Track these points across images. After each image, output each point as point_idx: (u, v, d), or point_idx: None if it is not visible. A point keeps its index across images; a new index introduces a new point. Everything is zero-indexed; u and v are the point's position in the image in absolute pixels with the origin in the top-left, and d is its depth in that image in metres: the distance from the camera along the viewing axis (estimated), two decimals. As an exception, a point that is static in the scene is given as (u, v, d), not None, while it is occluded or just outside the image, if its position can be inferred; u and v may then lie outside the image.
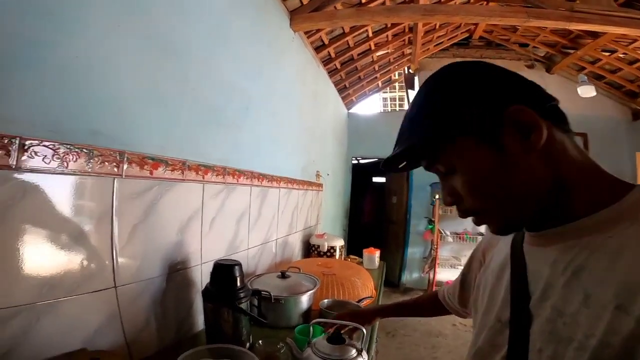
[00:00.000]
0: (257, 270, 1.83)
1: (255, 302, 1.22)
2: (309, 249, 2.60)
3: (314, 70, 3.05)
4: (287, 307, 1.39)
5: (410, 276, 5.05)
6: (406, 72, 5.26)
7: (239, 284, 1.13)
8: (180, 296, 1.25)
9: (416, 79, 5.02)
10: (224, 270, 1.13)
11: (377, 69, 4.46)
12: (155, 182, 1.10)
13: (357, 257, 2.51)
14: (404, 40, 4.00)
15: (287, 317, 1.40)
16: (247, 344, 1.16)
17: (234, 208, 1.60)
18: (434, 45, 4.62)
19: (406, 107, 5.87)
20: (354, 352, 1.00)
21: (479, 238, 4.24)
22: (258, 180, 1.82)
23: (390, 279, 5.00)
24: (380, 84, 5.23)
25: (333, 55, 3.34)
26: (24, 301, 0.77)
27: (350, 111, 5.19)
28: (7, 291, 0.74)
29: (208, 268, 1.21)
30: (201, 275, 1.34)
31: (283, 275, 1.52)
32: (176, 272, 1.22)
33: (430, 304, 1.02)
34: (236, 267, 1.14)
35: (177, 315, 1.24)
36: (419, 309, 1.11)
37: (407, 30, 3.75)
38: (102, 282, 0.96)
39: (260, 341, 1.13)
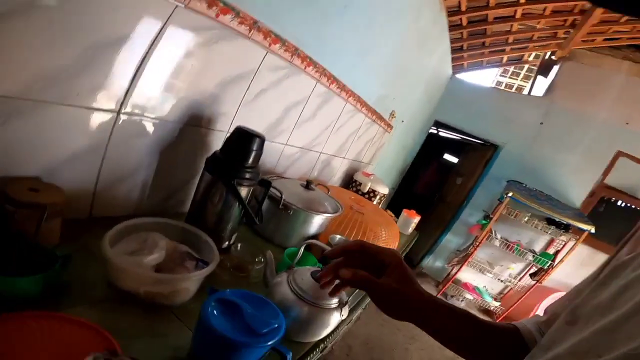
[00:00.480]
0: (285, 175, 1.63)
1: (260, 197, 1.02)
2: (349, 184, 2.35)
3: (434, 15, 2.48)
4: (292, 221, 1.19)
5: (432, 262, 4.71)
6: (547, 56, 4.18)
7: (250, 160, 0.92)
8: (185, 159, 1.08)
9: (556, 68, 4.00)
10: (241, 138, 0.91)
11: (510, 40, 3.57)
12: (217, 26, 0.91)
13: (393, 215, 2.22)
14: (564, 20, 3.04)
15: (287, 234, 1.21)
16: (224, 243, 0.98)
17: (289, 93, 1.36)
18: (604, 39, 3.50)
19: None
20: (334, 301, 0.78)
21: (529, 256, 3.69)
22: (327, 80, 1.53)
23: (410, 256, 4.72)
24: (505, 59, 4.28)
25: (463, 8, 2.69)
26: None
27: (455, 75, 4.40)
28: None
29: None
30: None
31: (307, 186, 1.30)
32: (194, 126, 1.04)
33: (502, 336, 0.57)
34: (256, 140, 0.91)
35: (172, 181, 1.09)
36: (479, 330, 0.57)
37: (576, 10, 2.80)
38: (106, 101, 0.81)
39: (240, 245, 0.95)
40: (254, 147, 0.92)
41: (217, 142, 1.14)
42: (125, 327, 0.63)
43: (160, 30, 0.81)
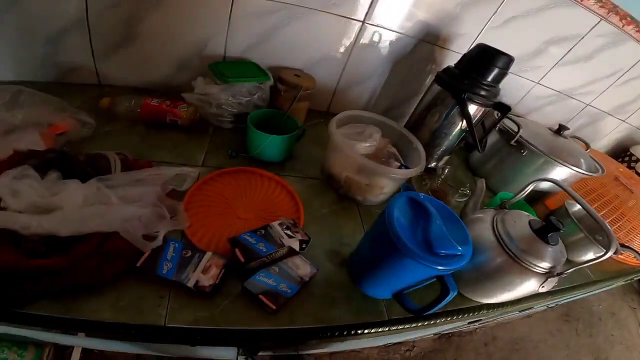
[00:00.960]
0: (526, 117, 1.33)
1: (489, 124, 0.89)
2: (620, 155, 1.68)
3: None
4: (521, 164, 0.98)
5: None
6: None
7: (490, 78, 0.80)
8: (414, 74, 1.07)
9: None
10: (482, 53, 0.80)
11: None
12: None
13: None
14: None
15: (507, 178, 1.03)
16: (432, 162, 0.93)
17: (552, 26, 1.06)
18: None
19: None
20: (546, 265, 0.59)
21: None
22: (620, 20, 1.07)
23: None
24: None
25: None
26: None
27: None
28: None
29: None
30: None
31: (559, 131, 1.05)
32: (429, 43, 1.01)
33: None
34: (502, 57, 0.78)
35: (397, 92, 1.10)
36: None
37: None
38: (355, 11, 0.89)
39: (447, 169, 0.89)
40: (498, 64, 0.78)
41: (450, 62, 1.04)
42: (316, 208, 0.73)
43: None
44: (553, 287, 0.59)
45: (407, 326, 0.60)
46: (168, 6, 0.82)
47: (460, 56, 0.87)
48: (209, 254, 0.53)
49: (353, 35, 0.94)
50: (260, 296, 0.50)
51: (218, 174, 0.71)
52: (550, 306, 1.01)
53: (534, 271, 0.56)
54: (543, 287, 0.58)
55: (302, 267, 0.56)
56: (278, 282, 0.53)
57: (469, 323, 0.74)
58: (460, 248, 0.48)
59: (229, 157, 0.78)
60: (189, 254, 0.52)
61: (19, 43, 0.83)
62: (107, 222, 0.45)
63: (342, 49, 0.96)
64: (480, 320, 0.72)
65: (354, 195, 0.78)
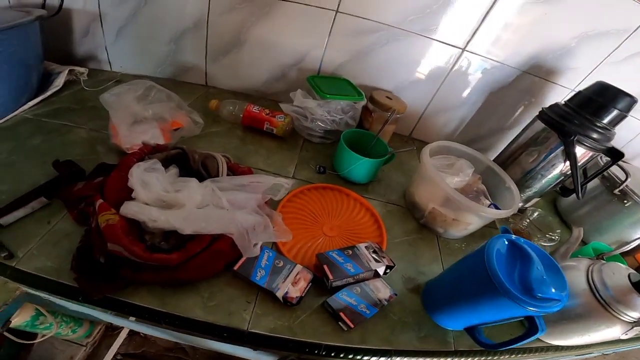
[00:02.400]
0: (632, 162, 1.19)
1: (594, 169, 0.81)
2: None
3: None
4: (622, 215, 0.89)
5: None
6: None
7: (607, 120, 0.73)
8: (511, 106, 1.00)
9: None
10: (601, 91, 0.74)
11: None
12: None
13: None
14: None
15: (602, 227, 0.93)
16: (519, 202, 0.86)
17: None
18: None
19: None
20: (636, 315, 0.53)
21: None
22: None
23: None
24: None
25: None
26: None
27: None
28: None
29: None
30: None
31: None
32: (532, 75, 0.94)
33: None
34: (625, 98, 0.71)
35: (487, 124, 1.04)
36: None
37: None
38: (455, 38, 0.88)
39: (536, 213, 0.82)
40: (619, 106, 0.71)
41: (554, 97, 0.97)
42: (397, 234, 0.72)
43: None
44: (635, 335, 0.59)
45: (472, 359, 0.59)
46: (276, 16, 0.87)
47: (567, 91, 0.81)
48: (299, 267, 0.55)
49: (450, 62, 0.92)
50: (341, 313, 0.52)
51: (308, 188, 0.74)
52: (606, 353, 0.93)
53: (621, 319, 0.57)
54: (626, 334, 0.59)
55: (382, 291, 0.57)
56: (359, 302, 0.54)
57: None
58: (557, 293, 0.49)
59: (317, 172, 0.81)
60: (281, 264, 0.55)
61: (149, 39, 0.93)
62: (225, 226, 0.48)
63: (436, 75, 0.95)
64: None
65: (435, 226, 0.75)
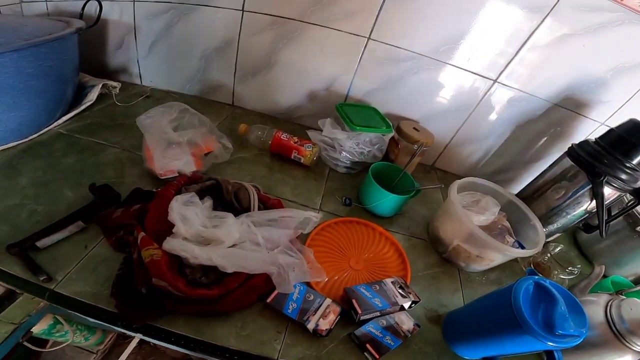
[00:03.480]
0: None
1: (619, 208, 0.80)
2: None
3: None
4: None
5: None
6: None
7: (636, 161, 0.73)
8: (537, 139, 0.99)
9: None
10: (634, 131, 0.73)
11: None
12: (619, 9, 0.76)
13: None
14: None
15: (621, 262, 0.92)
16: None
17: None
18: None
19: None
20: None
21: None
22: None
23: None
24: None
25: None
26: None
27: None
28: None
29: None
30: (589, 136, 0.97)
31: None
32: (562, 107, 0.93)
33: None
34: None
35: (514, 157, 1.03)
36: None
37: None
38: (486, 69, 0.88)
39: (559, 248, 0.82)
40: None
41: (583, 130, 0.96)
42: (420, 267, 0.73)
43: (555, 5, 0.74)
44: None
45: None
46: (307, 40, 0.88)
47: (597, 124, 0.80)
48: (328, 300, 0.56)
49: (481, 94, 0.92)
50: (368, 345, 0.53)
51: (335, 222, 0.74)
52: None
53: (633, 349, 0.59)
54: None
55: (406, 323, 0.59)
56: (384, 334, 0.56)
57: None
58: (577, 330, 0.52)
59: (343, 204, 0.81)
60: (312, 297, 0.56)
61: (180, 55, 0.95)
62: (266, 266, 0.50)
63: (465, 106, 0.95)
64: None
65: (458, 261, 0.76)
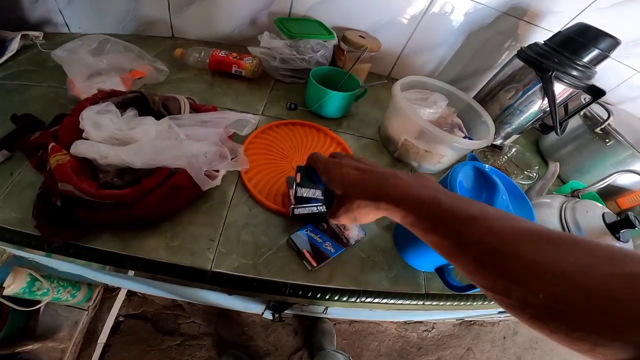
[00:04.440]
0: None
1: (574, 107, 0.78)
2: None
3: None
4: (602, 155, 0.86)
5: None
6: None
7: (587, 59, 0.71)
8: (489, 47, 0.98)
9: None
10: (582, 31, 0.71)
11: None
12: None
13: None
14: None
15: (583, 167, 0.90)
16: (498, 140, 0.85)
17: None
18: None
19: None
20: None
21: None
22: None
23: None
24: None
25: None
26: None
27: None
28: None
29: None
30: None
31: None
32: (513, 17, 0.90)
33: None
34: (607, 39, 0.68)
35: (467, 64, 1.00)
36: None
37: None
38: None
39: (515, 149, 0.81)
40: (600, 45, 0.67)
41: (535, 39, 0.92)
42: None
43: None
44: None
45: (442, 303, 0.57)
46: None
47: (550, 34, 0.77)
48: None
49: (428, 2, 0.87)
50: (304, 251, 0.51)
51: (276, 124, 0.72)
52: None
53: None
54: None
55: (350, 229, 0.55)
56: (324, 239, 0.53)
57: (499, 312, 0.69)
58: None
59: (287, 109, 0.79)
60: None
61: (105, -3, 0.88)
62: (175, 156, 0.47)
63: (411, 15, 0.90)
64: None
65: (409, 160, 0.74)
